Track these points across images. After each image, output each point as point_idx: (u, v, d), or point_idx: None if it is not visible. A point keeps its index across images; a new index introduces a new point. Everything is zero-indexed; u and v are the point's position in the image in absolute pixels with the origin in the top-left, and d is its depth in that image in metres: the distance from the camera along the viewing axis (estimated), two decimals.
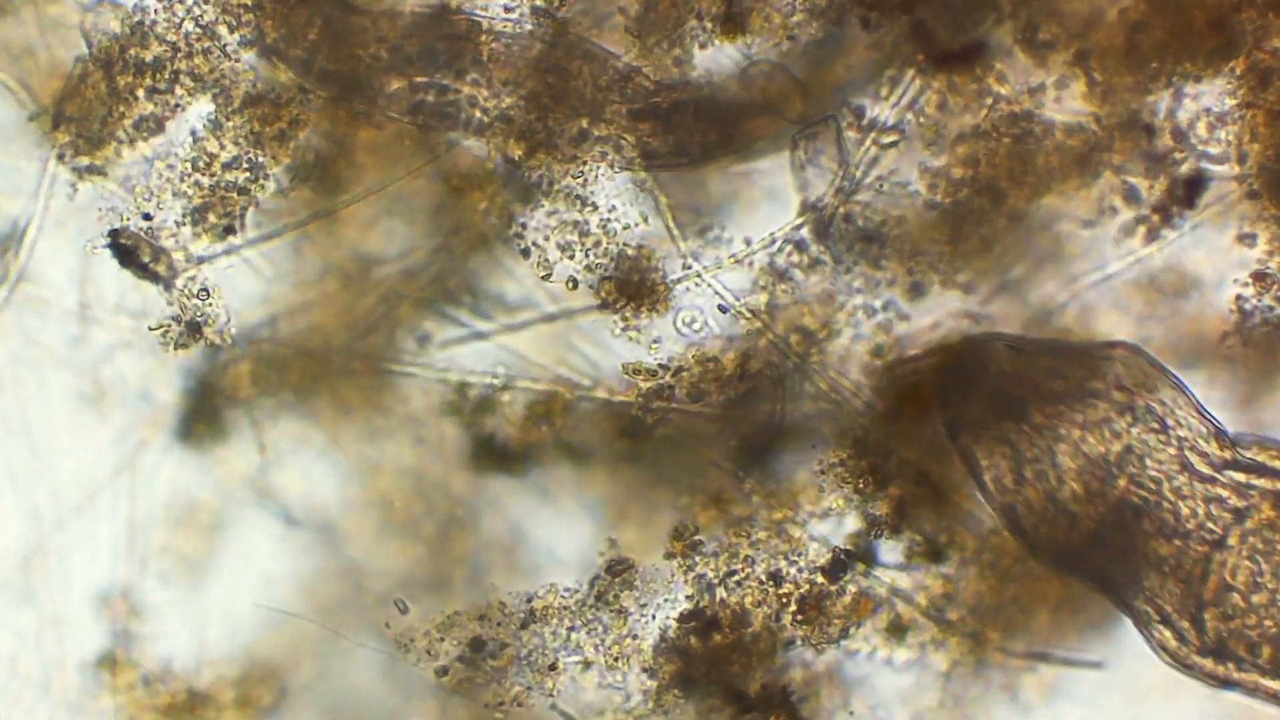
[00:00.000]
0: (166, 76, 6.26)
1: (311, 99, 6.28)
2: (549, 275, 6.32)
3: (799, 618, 6.32)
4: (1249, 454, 6.11)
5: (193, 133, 6.28)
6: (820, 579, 6.31)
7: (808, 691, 6.35)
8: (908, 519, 6.31)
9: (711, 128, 6.26)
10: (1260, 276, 6.24)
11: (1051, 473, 6.07)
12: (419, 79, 6.27)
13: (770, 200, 6.35)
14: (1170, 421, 6.06)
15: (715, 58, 6.29)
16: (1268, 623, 6.05)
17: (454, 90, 6.28)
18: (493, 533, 6.37)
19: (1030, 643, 6.34)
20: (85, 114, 6.27)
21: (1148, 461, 6.05)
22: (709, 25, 6.24)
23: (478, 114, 6.28)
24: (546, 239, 6.31)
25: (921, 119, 6.28)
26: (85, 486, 6.42)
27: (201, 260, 6.32)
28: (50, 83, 6.32)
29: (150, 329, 6.33)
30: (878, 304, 6.32)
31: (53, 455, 6.41)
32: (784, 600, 6.32)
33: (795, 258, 6.33)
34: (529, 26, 6.28)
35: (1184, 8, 6.12)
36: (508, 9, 6.27)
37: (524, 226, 6.32)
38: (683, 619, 6.33)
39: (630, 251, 6.31)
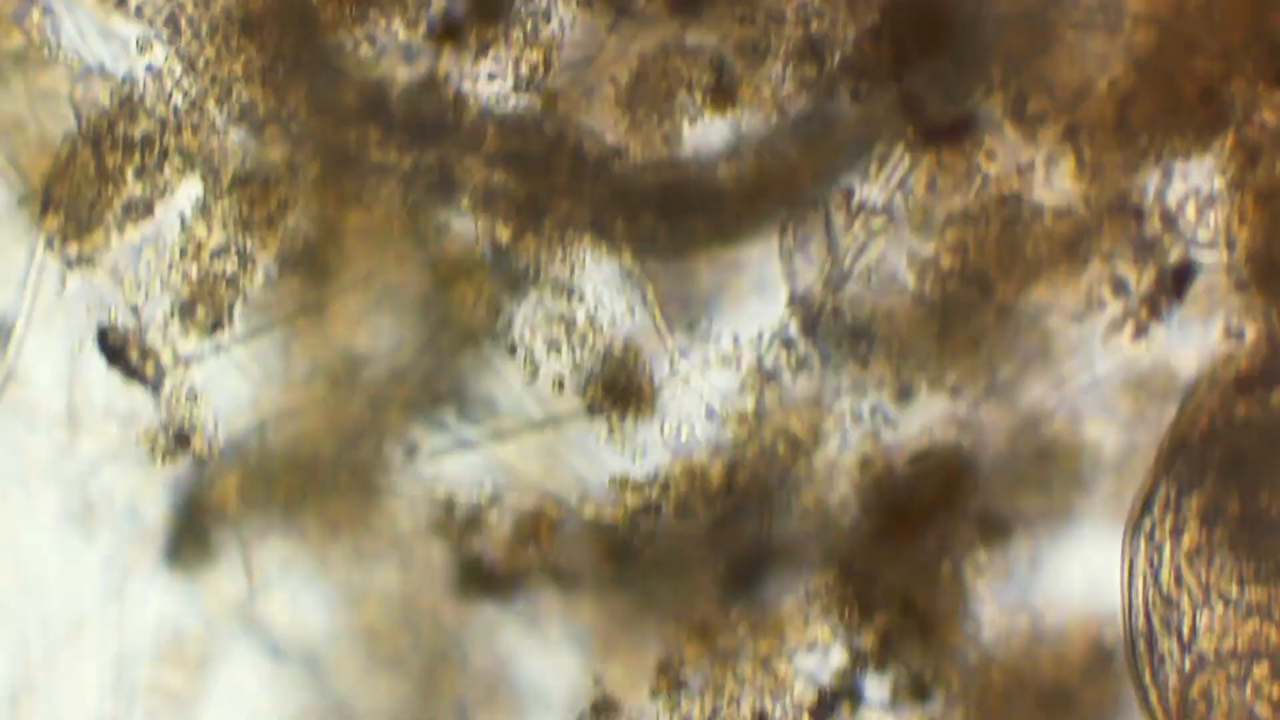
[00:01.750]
0: (155, 154, 6.23)
1: (300, 177, 6.22)
2: (535, 375, 6.23)
3: None
4: None
5: (181, 217, 6.23)
6: (806, 718, 6.19)
7: None
8: (894, 652, 6.17)
9: (693, 217, 6.24)
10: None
11: None
12: (408, 150, 6.24)
13: (759, 293, 6.26)
14: None
15: (705, 135, 6.24)
16: None
17: (443, 163, 6.23)
18: (479, 666, 6.23)
19: None
20: (74, 196, 6.25)
21: None
22: (699, 98, 6.19)
23: (467, 188, 6.23)
24: (533, 334, 6.21)
25: (910, 201, 6.19)
26: (72, 616, 6.27)
27: (189, 360, 6.24)
28: (39, 160, 6.28)
29: (137, 442, 6.23)
30: (865, 408, 6.22)
31: (41, 582, 6.28)
32: None
33: (783, 358, 6.23)
34: (516, 100, 6.25)
35: (1173, 78, 6.12)
36: (491, 76, 6.24)
37: (511, 319, 6.23)
38: None
39: (617, 350, 6.22)
